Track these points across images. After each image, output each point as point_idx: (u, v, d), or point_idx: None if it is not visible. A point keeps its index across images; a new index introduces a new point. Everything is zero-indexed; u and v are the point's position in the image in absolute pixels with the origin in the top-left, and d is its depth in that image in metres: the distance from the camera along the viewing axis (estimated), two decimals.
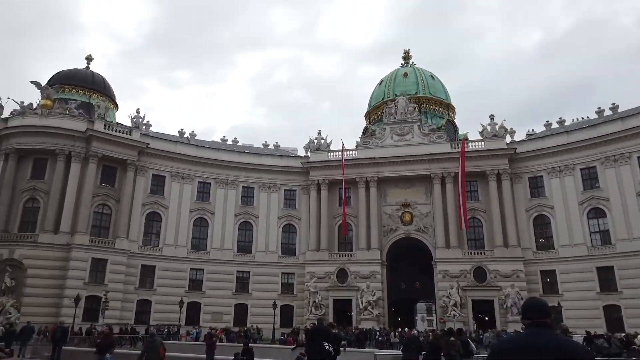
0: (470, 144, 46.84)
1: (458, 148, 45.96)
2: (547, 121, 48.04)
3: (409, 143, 48.35)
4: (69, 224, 40.59)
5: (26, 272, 38.17)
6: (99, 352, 12.11)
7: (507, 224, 43.64)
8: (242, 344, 19.65)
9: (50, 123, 42.61)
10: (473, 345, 13.79)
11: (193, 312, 44.14)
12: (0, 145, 42.45)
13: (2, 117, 44.01)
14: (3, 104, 44.68)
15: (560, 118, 47.73)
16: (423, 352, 12.74)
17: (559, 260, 41.77)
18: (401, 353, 13.18)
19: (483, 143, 46.45)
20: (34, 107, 44.46)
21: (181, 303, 40.34)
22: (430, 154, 46.61)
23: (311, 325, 28.29)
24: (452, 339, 12.22)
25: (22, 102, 44.78)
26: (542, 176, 44.84)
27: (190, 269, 45.88)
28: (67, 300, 36.59)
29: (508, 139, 46.85)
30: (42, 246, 39.20)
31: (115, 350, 12.88)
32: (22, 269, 38.32)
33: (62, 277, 38.76)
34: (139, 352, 12.64)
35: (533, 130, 51.32)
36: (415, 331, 23.96)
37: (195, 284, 45.74)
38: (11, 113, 44.47)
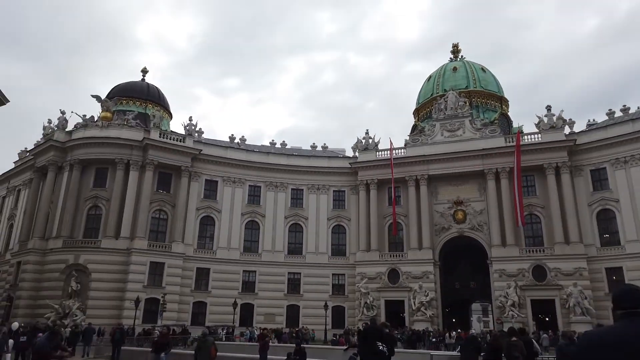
0: (525, 137, 44.83)
1: (513, 142, 44.13)
2: (610, 109, 45.17)
3: (460, 139, 46.95)
4: (129, 230, 42.46)
5: (90, 276, 40.28)
6: (155, 351, 12.51)
7: (568, 220, 41.37)
8: (294, 345, 19.81)
9: (110, 134, 44.84)
10: (537, 345, 12.96)
11: (247, 313, 44.97)
12: (65, 157, 45.10)
13: (66, 130, 46.76)
14: (67, 118, 47.51)
15: (624, 106, 44.75)
16: (482, 354, 12.12)
17: (626, 256, 39.13)
18: (458, 354, 12.58)
19: (540, 135, 44.33)
20: (95, 120, 46.97)
21: (235, 304, 41.18)
22: (483, 149, 45.05)
23: (364, 325, 27.99)
24: (514, 339, 11.46)
25: (84, 115, 47.44)
26: (605, 168, 42.22)
27: (243, 271, 46.79)
28: (128, 302, 38.26)
29: (567, 130, 44.47)
30: (105, 251, 41.25)
31: (171, 350, 13.29)
32: (87, 273, 40.48)
33: (123, 281, 40.58)
34: (192, 352, 12.97)
35: (594, 120, 48.42)
36: (474, 331, 22.87)
37: (248, 286, 46.59)
38: (75, 126, 47.21)
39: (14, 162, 55.69)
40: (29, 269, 41.15)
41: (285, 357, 14.66)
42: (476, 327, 57.90)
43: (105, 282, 40.13)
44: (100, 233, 42.78)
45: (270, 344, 19.92)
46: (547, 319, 40.52)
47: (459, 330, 39.70)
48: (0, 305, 41.98)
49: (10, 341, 17.10)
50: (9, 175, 54.43)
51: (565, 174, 42.48)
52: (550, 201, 42.40)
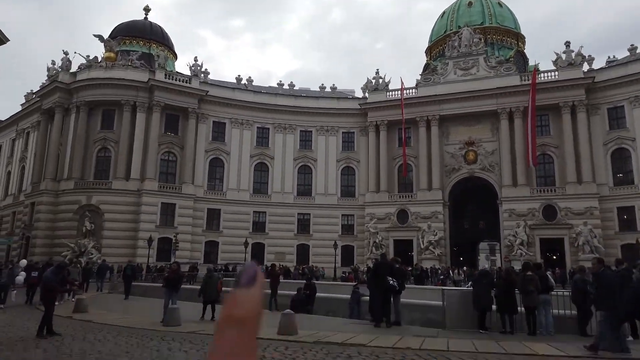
0: (542, 75, 43.30)
1: (528, 80, 42.73)
2: (632, 45, 43.18)
3: (474, 77, 45.51)
4: (139, 171, 42.65)
5: (103, 217, 40.98)
6: (166, 286, 12.66)
7: (582, 159, 40.74)
8: (304, 281, 20.11)
9: (114, 75, 44.07)
10: (552, 280, 12.80)
11: (258, 252, 45.82)
12: (71, 99, 44.66)
13: (70, 71, 46.02)
14: (71, 59, 46.64)
15: None
16: (494, 289, 11.97)
17: (639, 195, 38.74)
18: (470, 289, 12.46)
19: (557, 73, 42.79)
20: (99, 61, 46.04)
21: (246, 244, 41.95)
22: (497, 87, 43.71)
23: (373, 261, 28.25)
24: (529, 273, 11.21)
25: (88, 56, 46.55)
26: (622, 106, 40.99)
27: (253, 211, 47.28)
28: (142, 242, 39.07)
29: (585, 67, 42.83)
30: (116, 192, 41.69)
31: (182, 286, 13.53)
32: (100, 213, 41.15)
33: (135, 221, 41.26)
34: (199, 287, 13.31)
35: (614, 57, 46.53)
36: (486, 266, 22.95)
37: (259, 226, 47.25)
38: (79, 67, 46.40)
39: (21, 105, 55.39)
40: (42, 209, 41.88)
41: (296, 292, 14.78)
42: (484, 265, 58.78)
43: (118, 222, 40.84)
44: (111, 175, 43.04)
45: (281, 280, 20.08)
46: (554, 257, 40.88)
47: (464, 268, 40.21)
48: (16, 243, 43.11)
49: (19, 277, 17.63)
50: (17, 118, 54.31)
51: (581, 112, 41.36)
52: (564, 141, 41.59)
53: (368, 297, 15.81)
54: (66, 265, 10.61)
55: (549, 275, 12.15)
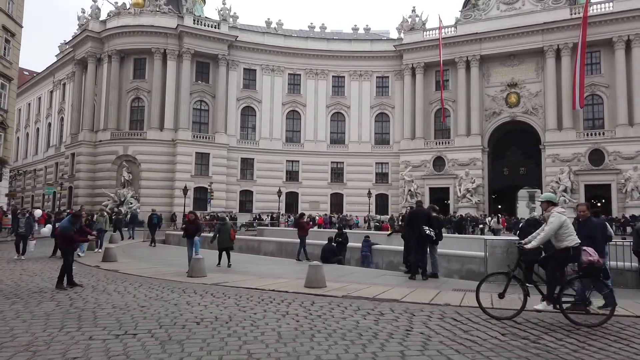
0: (595, 7, 39.68)
1: (579, 13, 39.30)
2: None
3: (519, 12, 42.23)
4: (172, 121, 42.70)
5: (140, 167, 41.64)
6: (186, 235, 12.49)
7: (635, 100, 37.87)
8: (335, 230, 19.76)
9: (143, 22, 43.41)
10: (611, 229, 11.54)
11: (292, 201, 46.05)
12: (102, 48, 44.53)
13: (100, 19, 45.57)
14: (100, 6, 46.08)
15: None
16: None
17: None
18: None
19: (612, 4, 39.08)
20: (127, 7, 45.28)
21: (279, 193, 41.92)
22: (544, 22, 40.46)
23: (409, 208, 27.42)
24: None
25: (116, 2, 45.78)
26: None
27: (286, 160, 47.00)
28: (178, 191, 39.64)
29: None
30: (151, 142, 42.07)
31: (201, 234, 13.34)
32: (137, 163, 41.82)
33: (171, 171, 41.78)
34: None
35: None
36: (534, 214, 21.30)
37: (292, 175, 47.09)
38: (107, 14, 45.83)
39: (56, 56, 55.80)
40: (82, 160, 42.92)
41: (327, 242, 14.35)
42: (523, 214, 57.24)
43: (155, 172, 41.45)
44: (145, 125, 43.31)
45: (312, 229, 19.68)
46: (598, 204, 39.05)
47: (499, 215, 38.98)
48: (59, 193, 44.64)
49: (45, 229, 17.99)
50: (53, 69, 54.87)
51: (637, 47, 38.01)
52: (616, 79, 38.59)
53: (378, 246, 15.35)
54: (81, 214, 10.37)
55: (607, 224, 10.88)
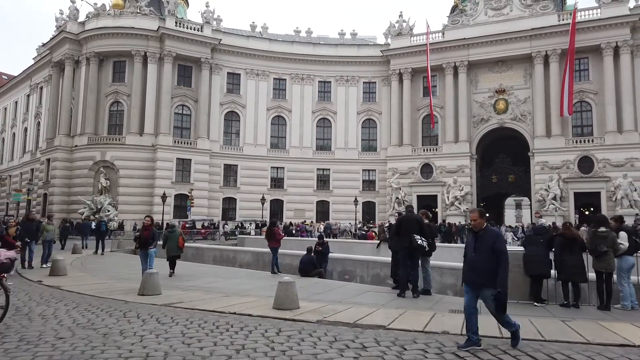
0: (582, 13, 39.29)
1: (567, 20, 38.88)
2: None
3: (507, 18, 41.69)
4: (152, 126, 41.26)
5: (118, 173, 40.06)
6: (140, 246, 11.14)
7: (623, 107, 37.41)
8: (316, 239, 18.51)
9: (123, 23, 42.08)
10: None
11: (277, 209, 44.72)
12: (81, 50, 43.06)
13: (79, 21, 44.15)
14: (78, 7, 44.67)
15: None
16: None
17: None
18: (521, 249, 9.99)
19: (599, 10, 38.74)
20: (107, 8, 43.92)
21: (263, 200, 40.61)
22: (532, 28, 39.92)
23: (397, 214, 26.17)
24: (603, 229, 8.63)
25: (95, 4, 44.33)
26: None
27: (271, 167, 45.73)
28: (157, 198, 38.08)
29: (631, 3, 38.63)
30: (130, 147, 40.53)
31: (157, 243, 11.99)
32: (115, 170, 40.25)
33: (151, 177, 40.26)
34: (203, 245, 11.97)
35: None
36: (544, 220, 19.49)
37: (277, 182, 45.83)
38: (86, 16, 44.44)
39: (33, 59, 54.01)
40: (58, 165, 41.19)
41: (305, 252, 13.06)
42: (510, 222, 56.55)
43: (134, 179, 39.89)
44: (124, 129, 41.80)
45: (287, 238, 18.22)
46: (586, 212, 38.45)
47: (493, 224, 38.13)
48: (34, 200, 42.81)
49: None
50: (30, 72, 53.06)
51: (625, 54, 37.61)
52: (604, 86, 38.14)
53: (361, 257, 14.03)
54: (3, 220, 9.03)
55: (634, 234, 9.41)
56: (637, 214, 31.37)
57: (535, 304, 8.68)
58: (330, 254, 14.06)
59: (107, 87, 42.59)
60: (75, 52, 43.13)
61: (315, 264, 12.75)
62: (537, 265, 8.78)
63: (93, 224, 26.68)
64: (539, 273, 8.79)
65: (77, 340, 5.36)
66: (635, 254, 8.60)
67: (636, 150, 36.68)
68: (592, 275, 8.66)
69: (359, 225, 36.57)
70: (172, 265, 12.60)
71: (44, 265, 13.87)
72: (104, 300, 8.16)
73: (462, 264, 11.93)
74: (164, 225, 34.88)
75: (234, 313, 7.02)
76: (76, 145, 41.39)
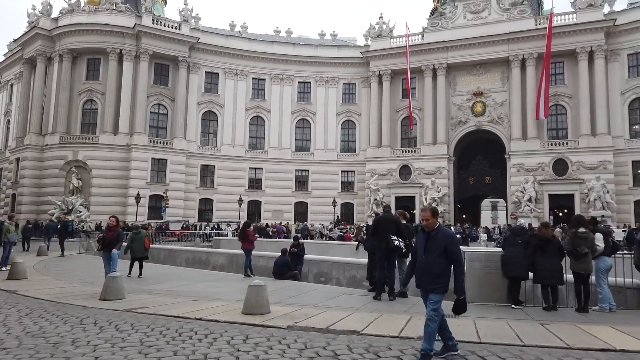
0: (558, 18, 39.92)
1: (543, 24, 39.45)
2: None
3: (485, 21, 42.10)
4: (127, 125, 40.35)
5: (91, 173, 39.02)
6: (103, 248, 10.64)
7: (597, 110, 38.11)
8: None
9: (98, 20, 41.07)
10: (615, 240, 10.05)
11: (254, 210, 44.23)
12: (53, 46, 41.87)
13: (52, 17, 42.94)
14: (52, 3, 43.50)
15: None
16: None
17: None
18: (497, 251, 9.82)
19: (575, 16, 39.42)
20: (81, 5, 42.84)
21: (240, 201, 40.07)
22: (510, 32, 40.41)
23: (374, 215, 25.81)
24: (583, 230, 8.42)
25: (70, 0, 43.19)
26: None
27: (249, 168, 45.20)
28: (131, 199, 37.21)
29: (606, 9, 39.43)
30: (104, 147, 39.54)
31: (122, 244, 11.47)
32: (87, 169, 39.20)
33: (125, 177, 39.33)
34: (169, 246, 11.54)
35: None
36: (522, 220, 19.14)
37: (255, 183, 45.32)
38: (60, 12, 43.26)
39: (4, 55, 52.36)
40: (27, 165, 39.89)
41: (280, 254, 12.70)
42: (486, 223, 57.14)
43: (107, 179, 38.90)
44: (98, 129, 40.74)
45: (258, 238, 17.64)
46: (560, 214, 39.07)
47: (465, 224, 38.40)
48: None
49: None
50: (0, 69, 51.37)
51: (599, 58, 38.34)
52: (579, 90, 38.80)
53: (338, 259, 13.73)
54: None
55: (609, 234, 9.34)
56: (602, 216, 31.86)
57: (513, 306, 8.53)
58: (305, 256, 13.75)
59: (80, 85, 41.46)
60: (47, 48, 41.93)
61: (289, 266, 12.42)
62: (515, 266, 8.61)
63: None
64: (517, 275, 8.64)
65: (23, 350, 4.92)
66: (612, 255, 8.54)
67: (609, 153, 37.39)
68: (569, 276, 8.55)
69: (329, 227, 36.25)
70: (140, 267, 12.41)
71: (3, 269, 13.22)
72: (62, 306, 7.67)
73: None
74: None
75: (200, 319, 6.66)
76: (47, 144, 40.15)
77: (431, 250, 5.15)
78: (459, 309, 5.05)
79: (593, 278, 8.37)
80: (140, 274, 12.31)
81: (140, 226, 15.01)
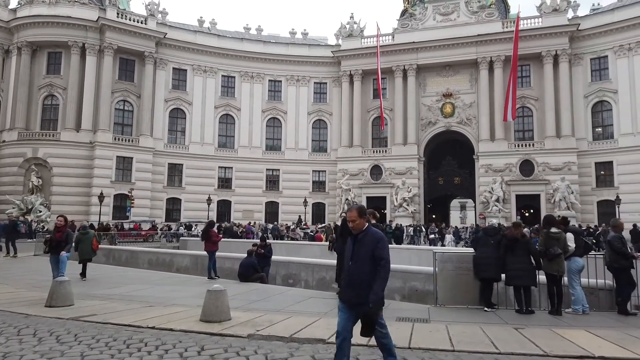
0: (524, 21, 40.68)
1: (510, 27, 40.13)
2: None
3: (454, 23, 42.52)
4: (90, 122, 38.97)
5: (52, 171, 37.49)
6: (50, 250, 9.96)
7: (562, 113, 39.03)
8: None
9: (59, 12, 39.47)
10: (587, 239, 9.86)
11: (224, 210, 43.46)
12: (11, 39, 40.09)
13: (9, 8, 41.08)
14: None
15: None
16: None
17: (618, 150, 37.55)
18: (469, 252, 9.54)
19: (540, 20, 40.26)
20: None
21: (209, 201, 39.22)
22: (478, 35, 40.95)
23: (343, 216, 25.54)
24: (555, 230, 8.23)
25: None
26: (606, 56, 39.04)
27: (219, 167, 44.33)
28: (95, 198, 35.91)
29: (570, 14, 40.42)
30: (65, 144, 38.05)
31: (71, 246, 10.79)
32: (48, 168, 37.65)
33: (88, 176, 37.97)
34: (122, 247, 11.06)
35: (598, 5, 44.09)
36: (494, 221, 18.80)
37: (225, 182, 44.49)
38: (18, 2, 41.40)
39: None
40: None
41: (246, 255, 12.24)
42: (456, 223, 57.88)
43: (69, 177, 37.43)
44: (59, 125, 39.16)
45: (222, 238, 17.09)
46: (526, 214, 39.84)
47: (442, 224, 38.70)
48: None
49: None
50: None
51: (564, 62, 39.26)
52: (545, 93, 39.66)
53: (308, 260, 13.34)
54: None
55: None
56: (558, 216, 32.49)
57: (486, 309, 8.33)
58: (273, 257, 13.30)
59: (40, 80, 39.77)
60: (5, 40, 40.12)
61: (256, 268, 11.97)
62: (487, 268, 8.39)
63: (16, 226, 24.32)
64: (489, 276, 8.44)
65: None
66: (584, 256, 8.45)
67: (573, 155, 38.32)
68: (541, 277, 8.42)
69: (292, 227, 35.80)
70: (84, 268, 12.16)
71: None
72: (1, 314, 7.03)
73: (410, 267, 11.56)
74: (98, 227, 32.95)
75: (153, 327, 6.18)
76: (4, 141, 38.36)
77: (359, 255, 4.43)
78: (368, 327, 4.26)
79: (566, 279, 8.27)
80: (84, 274, 12.02)
81: (88, 226, 14.46)
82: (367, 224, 4.63)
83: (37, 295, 8.86)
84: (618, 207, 33.56)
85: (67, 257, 10.26)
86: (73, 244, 10.90)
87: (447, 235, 31.21)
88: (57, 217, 10.69)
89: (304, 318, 6.98)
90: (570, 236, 8.39)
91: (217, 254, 12.70)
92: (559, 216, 9.72)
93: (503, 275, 8.48)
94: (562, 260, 8.15)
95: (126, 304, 8.16)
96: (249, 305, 8.04)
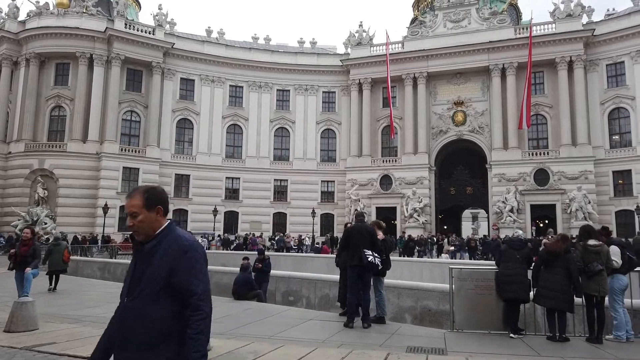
0: (538, 27, 39.78)
1: (523, 34, 39.24)
2: None
3: (465, 30, 41.74)
4: (97, 133, 38.75)
5: (58, 183, 37.21)
6: (15, 267, 9.17)
7: (577, 120, 37.89)
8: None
9: (67, 23, 39.55)
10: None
11: (231, 221, 42.79)
12: (20, 50, 40.21)
13: (19, 20, 41.28)
14: (19, 5, 41.81)
15: None
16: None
17: (636, 158, 36.26)
18: (491, 267, 8.42)
19: (554, 25, 39.32)
20: (50, 7, 41.27)
21: (215, 212, 38.63)
22: (490, 41, 40.09)
23: (348, 225, 24.34)
24: (594, 242, 7.00)
25: (38, 2, 41.61)
26: (623, 62, 37.93)
27: (226, 177, 43.79)
28: (100, 209, 35.48)
29: (584, 20, 39.43)
30: (72, 155, 37.78)
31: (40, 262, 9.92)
32: (54, 179, 37.38)
33: (94, 187, 37.62)
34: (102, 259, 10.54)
35: (613, 9, 43.05)
36: (520, 231, 17.87)
37: (232, 193, 43.91)
38: (27, 14, 41.65)
39: None
40: None
41: (239, 268, 11.41)
42: (468, 233, 56.55)
43: (75, 189, 37.12)
44: (66, 136, 38.99)
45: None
46: (541, 225, 38.63)
47: (454, 235, 37.43)
48: None
49: None
50: None
51: (578, 69, 38.20)
52: (559, 100, 38.57)
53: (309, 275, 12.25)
54: None
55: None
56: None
57: (512, 335, 7.21)
58: (272, 272, 12.45)
59: (48, 91, 39.72)
60: (13, 52, 40.21)
61: (252, 284, 11.14)
62: (513, 287, 7.26)
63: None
64: (516, 297, 7.30)
65: None
66: (628, 273, 7.26)
67: (590, 163, 37.11)
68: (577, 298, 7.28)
69: (276, 237, 34.72)
70: (56, 280, 11.85)
71: None
72: None
73: (423, 284, 10.55)
74: (102, 239, 32.50)
75: None
76: (11, 152, 38.24)
77: (141, 282, 2.41)
78: None
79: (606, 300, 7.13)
80: (54, 288, 11.68)
81: (61, 237, 14.09)
82: (165, 223, 2.53)
83: (3, 316, 8.05)
84: (639, 217, 32.24)
85: (35, 274, 9.44)
86: (41, 258, 10.16)
87: (446, 245, 29.50)
88: (24, 230, 10.00)
89: (298, 348, 6.13)
90: (615, 250, 7.19)
91: (212, 267, 11.92)
92: (603, 227, 8.34)
93: (531, 294, 7.42)
94: (604, 279, 6.97)
95: (98, 328, 7.37)
96: (236, 331, 7.21)
